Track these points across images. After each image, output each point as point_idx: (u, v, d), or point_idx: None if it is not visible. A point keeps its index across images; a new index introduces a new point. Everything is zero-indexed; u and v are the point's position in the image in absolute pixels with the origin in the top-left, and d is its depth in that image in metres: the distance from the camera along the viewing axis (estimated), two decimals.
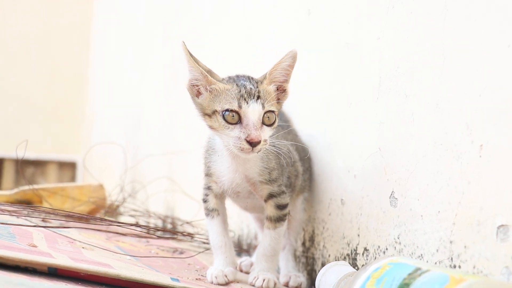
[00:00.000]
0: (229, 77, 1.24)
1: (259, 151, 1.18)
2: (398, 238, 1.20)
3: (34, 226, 1.42)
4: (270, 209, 1.30)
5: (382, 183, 1.25)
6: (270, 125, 1.21)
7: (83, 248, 1.34)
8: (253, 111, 1.17)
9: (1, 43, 3.78)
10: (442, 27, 1.10)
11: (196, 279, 1.28)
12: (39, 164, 3.91)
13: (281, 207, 1.30)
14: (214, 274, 1.27)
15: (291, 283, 1.40)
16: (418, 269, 0.89)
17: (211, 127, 1.22)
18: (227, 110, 1.17)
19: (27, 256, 1.09)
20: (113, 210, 1.73)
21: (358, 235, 1.32)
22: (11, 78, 3.82)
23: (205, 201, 1.34)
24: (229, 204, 1.43)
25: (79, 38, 3.93)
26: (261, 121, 1.18)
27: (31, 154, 3.63)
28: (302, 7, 1.57)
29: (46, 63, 3.89)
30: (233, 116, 1.17)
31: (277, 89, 1.25)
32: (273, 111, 1.21)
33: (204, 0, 2.25)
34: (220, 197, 1.34)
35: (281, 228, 1.31)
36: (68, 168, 4.00)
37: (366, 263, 1.27)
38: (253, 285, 1.29)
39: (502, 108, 0.98)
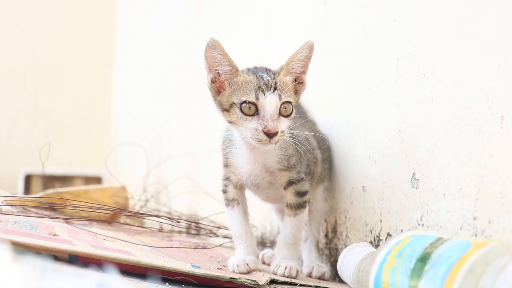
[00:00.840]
0: (248, 69, 1.25)
1: (276, 142, 1.18)
2: (421, 219, 1.17)
3: (56, 218, 1.43)
4: (290, 196, 1.29)
5: (403, 165, 1.23)
6: (287, 116, 1.20)
7: (104, 239, 1.34)
8: (270, 103, 1.17)
9: (33, 63, 3.87)
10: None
11: (218, 268, 1.27)
12: (65, 180, 3.96)
13: (301, 193, 1.29)
14: (235, 263, 1.26)
15: (314, 273, 1.38)
16: (439, 238, 0.87)
17: (229, 121, 1.21)
18: (244, 102, 1.18)
19: (48, 243, 1.09)
20: (135, 214, 1.73)
21: (381, 221, 1.30)
22: (42, 96, 3.91)
23: (224, 191, 1.34)
24: (251, 201, 1.42)
25: (103, 54, 4.01)
26: (278, 112, 1.18)
27: (58, 169, 3.69)
28: None
29: (73, 80, 3.97)
30: (250, 107, 1.17)
31: (295, 80, 1.24)
32: (290, 102, 1.20)
33: (223, 3, 2.27)
34: (240, 187, 1.33)
35: (302, 215, 1.30)
36: (94, 182, 4.03)
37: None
38: (275, 273, 1.27)
39: None
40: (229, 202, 1.33)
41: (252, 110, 1.17)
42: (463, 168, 1.07)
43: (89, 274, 0.94)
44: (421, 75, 1.19)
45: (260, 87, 1.18)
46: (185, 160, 2.42)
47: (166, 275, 1.14)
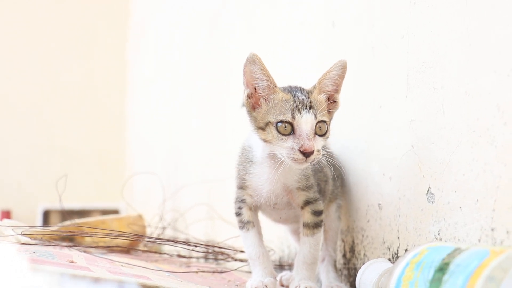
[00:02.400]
0: (284, 88, 1.24)
1: (312, 161, 1.18)
2: (439, 234, 1.16)
3: (73, 246, 1.44)
4: (307, 216, 1.29)
5: (418, 180, 1.23)
6: (322, 135, 1.20)
7: (122, 266, 1.34)
8: (306, 122, 1.17)
9: (47, 100, 3.94)
10: (465, 11, 1.10)
11: None
12: (83, 214, 3.98)
13: (317, 213, 1.29)
14: (254, 285, 1.26)
15: None
16: (457, 249, 0.87)
17: (264, 140, 1.21)
18: (280, 121, 1.17)
19: (65, 270, 1.10)
20: (152, 239, 1.74)
21: (398, 238, 1.29)
22: (56, 132, 3.96)
23: (238, 214, 1.33)
24: (268, 224, 1.42)
25: (116, 87, 4.07)
26: (313, 131, 1.18)
27: (75, 204, 3.71)
28: (327, 21, 1.59)
29: (88, 115, 4.04)
30: (285, 127, 1.17)
31: (328, 99, 1.24)
32: (325, 121, 1.20)
33: (234, 28, 2.30)
34: (254, 209, 1.33)
35: (319, 235, 1.30)
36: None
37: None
38: None
39: None
40: (244, 224, 1.32)
41: (288, 129, 1.17)
42: (478, 179, 1.06)
43: (108, 281, 0.94)
44: (431, 89, 1.19)
45: (296, 106, 1.18)
46: (201, 187, 2.43)
47: None
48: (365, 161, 1.42)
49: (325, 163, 1.34)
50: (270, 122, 1.19)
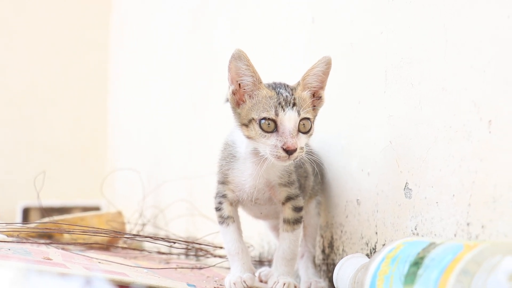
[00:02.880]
0: (269, 84, 1.23)
1: (295, 159, 1.17)
2: (416, 229, 1.17)
3: (50, 243, 1.42)
4: (287, 212, 1.29)
5: (396, 176, 1.23)
6: (306, 133, 1.19)
7: (100, 263, 1.33)
8: (289, 119, 1.16)
9: (27, 96, 3.89)
10: (442, 8, 1.10)
11: (214, 287, 1.26)
12: (64, 211, 3.94)
13: (298, 209, 1.29)
14: (232, 280, 1.25)
15: None
16: (432, 243, 0.87)
17: (248, 137, 1.20)
18: (264, 118, 1.17)
19: (40, 267, 1.08)
20: (131, 235, 1.73)
21: (376, 233, 1.30)
22: (36, 128, 3.92)
23: (218, 209, 1.32)
24: (247, 221, 1.42)
25: (98, 83, 4.04)
26: (297, 128, 1.17)
27: (56, 202, 3.68)
28: (306, 16, 1.59)
29: (69, 112, 3.99)
30: (269, 124, 1.16)
31: (313, 96, 1.24)
32: (308, 118, 1.19)
33: (217, 25, 2.29)
34: (235, 204, 1.33)
35: (298, 230, 1.30)
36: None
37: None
38: None
39: (507, 80, 0.97)
40: (223, 219, 1.31)
41: (271, 126, 1.16)
42: (455, 174, 1.07)
43: (75, 275, 0.93)
44: (409, 85, 1.20)
45: (279, 103, 1.17)
46: (182, 184, 2.42)
47: None
48: (344, 157, 1.43)
49: (306, 159, 1.35)
50: (253, 119, 1.18)
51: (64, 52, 4.00)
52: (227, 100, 1.51)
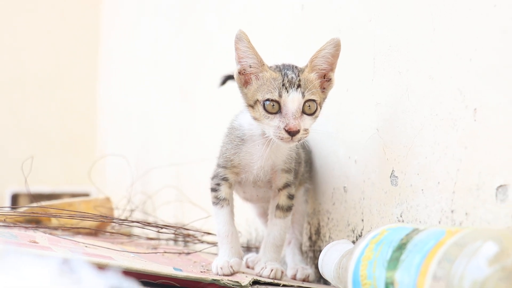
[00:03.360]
0: (276, 66, 1.24)
1: (299, 140, 1.18)
2: (401, 216, 1.18)
3: (38, 227, 1.42)
4: (282, 198, 1.31)
5: (382, 163, 1.24)
6: (311, 114, 1.19)
7: (86, 247, 1.33)
8: (292, 100, 1.16)
9: (16, 81, 3.86)
10: None
11: (201, 271, 1.26)
12: (53, 197, 3.92)
13: (291, 196, 1.32)
14: (219, 265, 1.25)
15: (298, 275, 1.37)
16: (415, 229, 0.88)
17: (254, 118, 1.21)
18: (267, 99, 1.17)
19: (27, 250, 1.09)
20: (118, 220, 1.73)
21: (362, 220, 1.31)
22: (25, 114, 3.89)
23: (215, 190, 1.32)
24: (236, 208, 1.42)
25: (87, 71, 4.01)
26: (301, 110, 1.17)
27: (45, 188, 3.67)
28: (296, 3, 1.58)
29: (58, 98, 3.97)
30: (273, 105, 1.17)
31: (323, 77, 1.23)
32: (314, 100, 1.19)
33: (207, 11, 2.28)
34: (232, 187, 1.33)
35: (289, 218, 1.33)
36: None
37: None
38: (260, 275, 1.27)
39: (492, 69, 0.97)
40: (219, 201, 1.31)
41: (276, 108, 1.17)
42: (440, 162, 1.08)
43: (53, 257, 0.93)
44: (396, 73, 1.20)
45: (283, 85, 1.17)
46: (171, 170, 2.42)
47: (149, 279, 1.13)
48: (331, 144, 1.43)
49: (300, 145, 1.35)
50: (258, 100, 1.19)
51: (53, 37, 3.97)
52: (223, 83, 1.49)
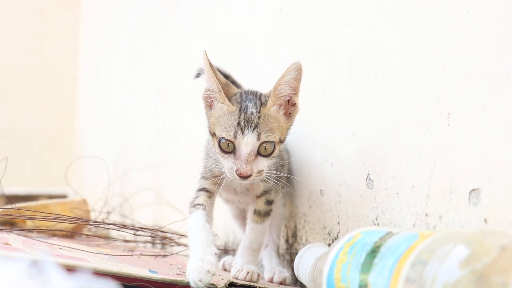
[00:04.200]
0: (240, 94, 1.18)
1: (253, 181, 1.17)
2: (376, 219, 1.19)
3: (11, 229, 1.40)
4: (260, 204, 1.30)
5: (358, 167, 1.25)
6: (267, 156, 1.15)
7: (61, 249, 1.32)
8: (246, 143, 1.12)
9: None
10: (406, 1, 1.12)
11: (177, 274, 1.26)
12: (29, 199, 3.87)
13: (270, 202, 1.31)
14: (194, 268, 1.18)
15: (275, 278, 1.38)
16: (389, 232, 0.89)
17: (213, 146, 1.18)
18: (223, 138, 1.14)
19: None
20: (94, 223, 1.71)
21: (338, 223, 1.31)
22: (1, 113, 3.84)
23: (194, 198, 1.26)
24: (214, 211, 1.41)
25: (67, 71, 3.97)
26: (255, 153, 1.14)
27: (21, 189, 3.61)
28: (274, 5, 1.59)
29: (36, 98, 3.92)
30: (228, 145, 1.14)
31: (288, 102, 1.19)
32: (271, 142, 1.15)
33: (187, 12, 2.28)
34: (212, 197, 1.27)
35: (267, 223, 1.33)
36: None
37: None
38: (236, 278, 1.27)
39: (465, 74, 0.99)
40: (194, 205, 1.23)
41: (231, 147, 1.14)
42: (414, 166, 1.09)
43: (22, 257, 0.93)
44: (372, 77, 1.21)
45: (239, 124, 1.12)
46: (149, 172, 2.41)
47: (124, 281, 1.12)
48: (308, 148, 1.44)
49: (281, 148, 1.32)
50: (215, 134, 1.16)
51: (32, 35, 3.92)
52: (197, 76, 1.40)
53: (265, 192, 1.29)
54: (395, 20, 1.15)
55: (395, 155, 1.14)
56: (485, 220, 0.93)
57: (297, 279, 1.38)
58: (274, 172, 1.22)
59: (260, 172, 1.15)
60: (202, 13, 2.13)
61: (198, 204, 1.24)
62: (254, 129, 1.13)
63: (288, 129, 1.21)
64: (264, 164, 1.15)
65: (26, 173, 3.79)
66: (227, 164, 1.15)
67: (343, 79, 1.30)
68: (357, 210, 1.25)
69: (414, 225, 1.08)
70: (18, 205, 1.95)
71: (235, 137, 1.12)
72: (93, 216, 2.01)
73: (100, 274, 1.09)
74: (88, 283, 0.65)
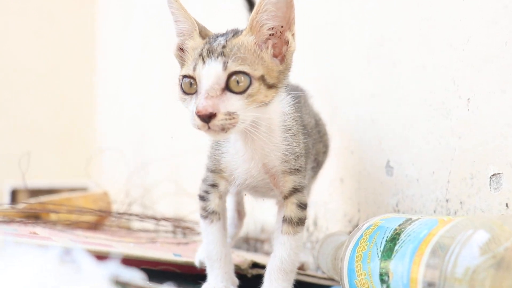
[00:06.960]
0: (217, 33, 0.95)
1: (223, 130, 0.86)
2: (397, 206, 1.19)
3: (37, 222, 1.43)
4: (291, 208, 0.98)
5: (378, 154, 1.25)
6: (240, 93, 0.86)
7: (87, 238, 1.34)
8: (208, 74, 0.86)
9: (10, 77, 3.86)
10: None
11: None
12: (52, 193, 3.93)
13: (304, 205, 0.99)
14: None
15: None
16: (408, 219, 0.89)
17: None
18: (184, 75, 0.89)
19: (28, 240, 1.09)
20: (118, 214, 1.74)
21: (359, 211, 1.31)
22: (21, 110, 3.89)
23: (204, 199, 1.03)
24: None
25: (84, 64, 3.99)
26: (221, 86, 0.86)
27: (43, 183, 3.67)
28: None
29: (55, 92, 3.95)
30: (191, 83, 0.89)
31: (279, 38, 0.90)
32: (245, 73, 0.86)
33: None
34: (224, 196, 1.04)
35: (302, 234, 0.99)
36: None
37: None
38: None
39: (485, 59, 0.98)
40: (208, 214, 1.02)
41: (194, 87, 0.88)
42: (434, 151, 1.09)
43: (52, 245, 0.95)
44: (390, 64, 1.21)
45: (201, 55, 0.88)
46: (169, 162, 2.43)
47: (149, 266, 1.14)
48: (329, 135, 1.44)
49: (326, 130, 1.19)
50: (178, 79, 0.91)
51: (49, 29, 3.95)
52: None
53: (295, 190, 0.98)
54: (413, 4, 1.14)
55: (415, 142, 1.14)
56: (507, 205, 0.93)
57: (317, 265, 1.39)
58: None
59: (231, 115, 0.85)
60: (211, 5, 2.13)
61: (212, 213, 1.02)
62: (218, 56, 0.87)
63: (282, 72, 0.91)
64: (237, 104, 0.86)
65: (47, 167, 3.82)
66: (190, 109, 0.88)
67: (361, 66, 1.29)
68: (377, 197, 1.25)
69: (434, 211, 1.08)
70: (41, 198, 1.99)
71: (194, 69, 0.88)
72: (114, 207, 2.04)
73: (127, 262, 1.10)
74: (118, 270, 0.67)
